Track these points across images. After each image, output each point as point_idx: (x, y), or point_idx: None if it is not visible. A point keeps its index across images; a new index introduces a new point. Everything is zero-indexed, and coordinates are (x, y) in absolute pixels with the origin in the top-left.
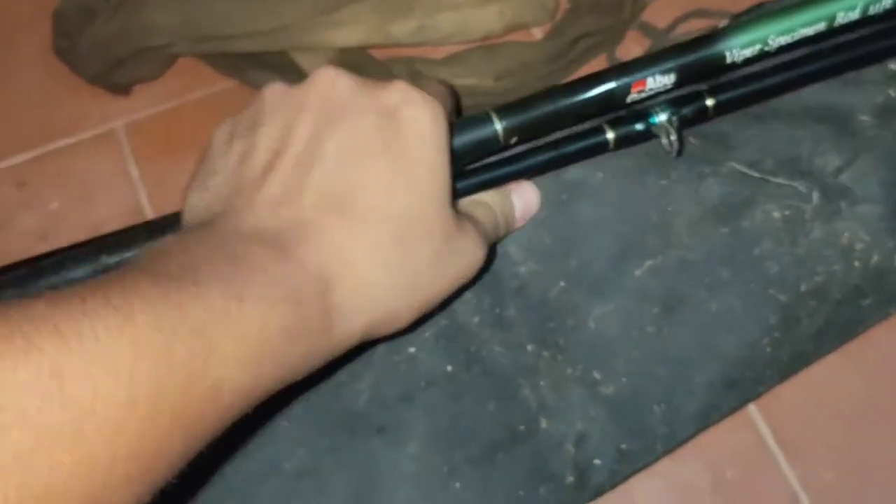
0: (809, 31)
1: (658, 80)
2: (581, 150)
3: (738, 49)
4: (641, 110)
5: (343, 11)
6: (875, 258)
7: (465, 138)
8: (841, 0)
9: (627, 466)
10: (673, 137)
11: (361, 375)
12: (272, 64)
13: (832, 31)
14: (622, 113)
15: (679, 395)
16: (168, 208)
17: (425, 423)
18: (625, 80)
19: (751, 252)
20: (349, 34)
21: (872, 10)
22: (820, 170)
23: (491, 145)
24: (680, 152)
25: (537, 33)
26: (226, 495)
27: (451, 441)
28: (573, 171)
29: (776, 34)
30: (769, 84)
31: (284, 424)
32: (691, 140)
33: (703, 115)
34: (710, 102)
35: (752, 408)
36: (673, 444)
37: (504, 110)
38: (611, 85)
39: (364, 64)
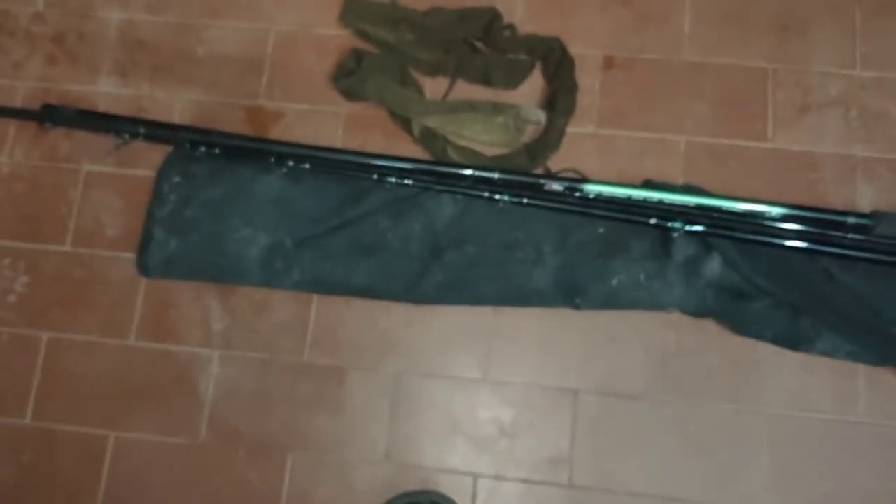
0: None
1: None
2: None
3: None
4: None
5: (434, 116)
6: None
7: None
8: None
9: None
10: None
11: None
12: (398, 118)
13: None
14: None
15: None
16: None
17: None
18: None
19: None
20: (429, 122)
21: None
22: None
23: None
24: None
25: (500, 150)
26: None
27: None
28: None
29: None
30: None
31: None
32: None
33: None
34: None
35: None
36: None
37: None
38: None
39: (430, 133)
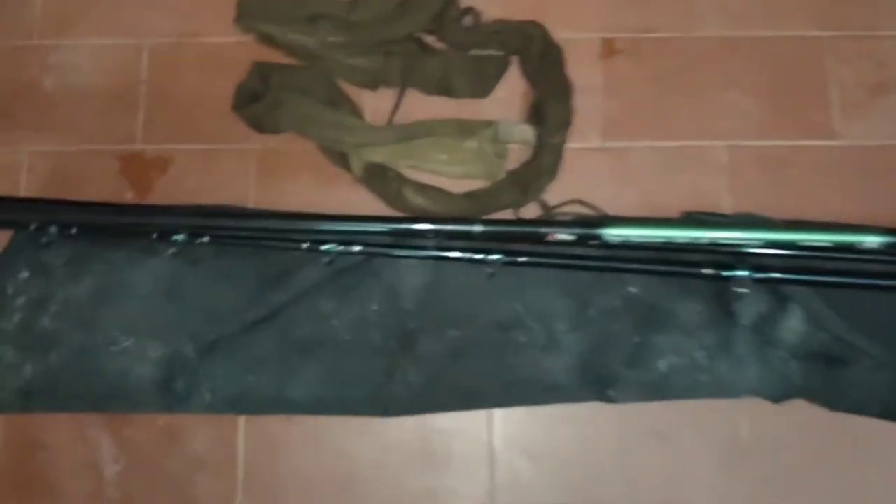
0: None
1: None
2: None
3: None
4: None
5: (381, 146)
6: None
7: None
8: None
9: None
10: None
11: None
12: (331, 152)
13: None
14: None
15: None
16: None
17: None
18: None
19: None
20: (376, 156)
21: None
22: None
23: None
24: None
25: (477, 183)
26: None
27: None
28: None
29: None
30: None
31: None
32: None
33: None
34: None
35: None
36: None
37: None
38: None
39: (378, 172)
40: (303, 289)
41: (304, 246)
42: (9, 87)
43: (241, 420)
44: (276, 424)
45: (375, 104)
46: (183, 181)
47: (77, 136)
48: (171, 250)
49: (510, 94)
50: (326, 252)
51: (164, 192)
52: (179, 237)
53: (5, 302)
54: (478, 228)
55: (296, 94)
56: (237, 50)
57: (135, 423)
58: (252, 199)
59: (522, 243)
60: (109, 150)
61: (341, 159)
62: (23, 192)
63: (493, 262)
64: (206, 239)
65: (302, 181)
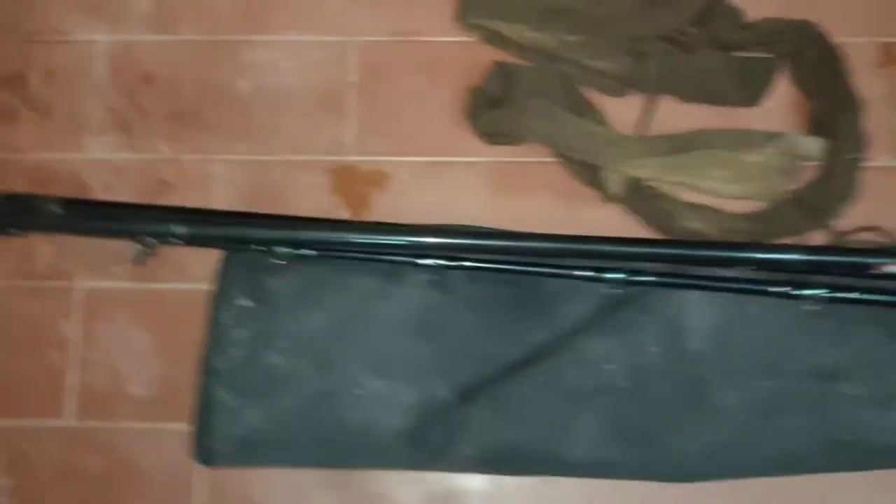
0: None
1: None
2: None
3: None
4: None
5: (646, 160)
6: None
7: None
8: None
9: None
10: None
11: None
12: (578, 167)
13: None
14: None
15: None
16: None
17: None
18: None
19: None
20: (642, 171)
21: None
22: None
23: None
24: None
25: (752, 205)
26: None
27: None
28: None
29: None
30: None
31: None
32: None
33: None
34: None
35: None
36: None
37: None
38: None
39: (642, 190)
40: (569, 325)
41: (583, 274)
42: (197, 88)
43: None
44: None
45: (620, 113)
46: (403, 198)
47: (278, 144)
48: (425, 277)
49: (778, 102)
50: (609, 281)
51: (383, 210)
52: (432, 262)
53: (221, 336)
54: (803, 258)
55: (538, 100)
56: (458, 51)
57: (357, 479)
58: (484, 219)
59: (842, 275)
60: (316, 162)
61: (589, 175)
62: (219, 205)
63: (817, 299)
64: (465, 263)
65: (540, 199)
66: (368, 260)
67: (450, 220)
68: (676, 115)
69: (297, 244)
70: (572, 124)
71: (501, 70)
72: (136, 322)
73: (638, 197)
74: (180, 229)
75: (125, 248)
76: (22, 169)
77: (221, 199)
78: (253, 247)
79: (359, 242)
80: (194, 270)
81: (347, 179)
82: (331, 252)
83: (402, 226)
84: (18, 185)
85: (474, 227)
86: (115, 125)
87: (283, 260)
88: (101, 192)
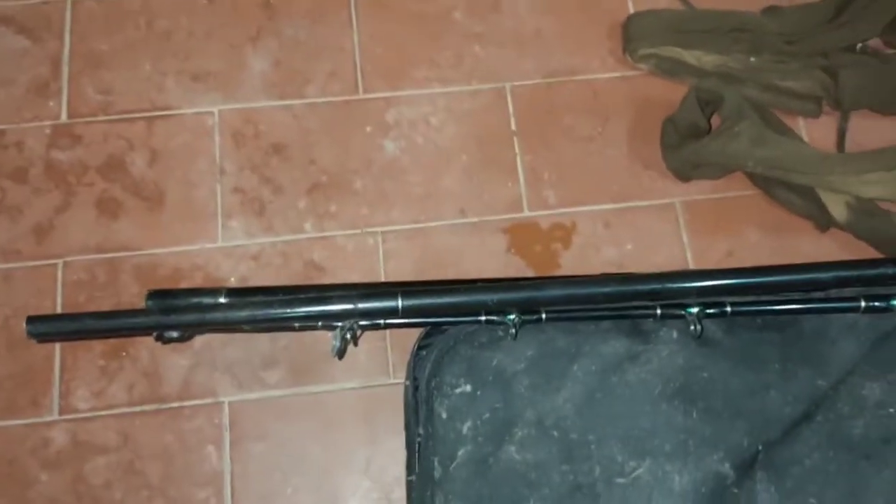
0: None
1: None
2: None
3: None
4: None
5: (872, 175)
6: None
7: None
8: None
9: None
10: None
11: None
12: (798, 190)
13: None
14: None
15: None
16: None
17: None
18: None
19: None
20: (869, 190)
21: None
22: None
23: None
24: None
25: None
26: None
27: None
28: None
29: None
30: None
31: None
32: None
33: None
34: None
35: None
36: None
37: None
38: None
39: (872, 210)
40: (841, 369)
41: (857, 304)
42: (337, 155)
43: None
44: None
45: (810, 133)
46: (596, 251)
47: (441, 207)
48: (674, 332)
49: None
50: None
51: (573, 266)
52: (692, 310)
53: (438, 433)
54: None
55: (751, 121)
56: (622, 86)
57: None
58: (686, 264)
59: None
60: (487, 223)
61: (803, 202)
62: (384, 277)
63: None
64: (727, 309)
65: (746, 236)
66: (613, 317)
67: (650, 269)
68: (871, 130)
69: (530, 308)
70: (786, 146)
71: (699, 95)
72: (299, 436)
73: (866, 218)
74: (402, 303)
75: (274, 349)
76: (132, 267)
77: (386, 275)
78: (481, 318)
79: (597, 296)
80: (363, 364)
81: (527, 237)
82: (562, 314)
83: (648, 275)
84: (133, 288)
85: (723, 269)
86: (243, 206)
87: (512, 328)
88: (240, 285)
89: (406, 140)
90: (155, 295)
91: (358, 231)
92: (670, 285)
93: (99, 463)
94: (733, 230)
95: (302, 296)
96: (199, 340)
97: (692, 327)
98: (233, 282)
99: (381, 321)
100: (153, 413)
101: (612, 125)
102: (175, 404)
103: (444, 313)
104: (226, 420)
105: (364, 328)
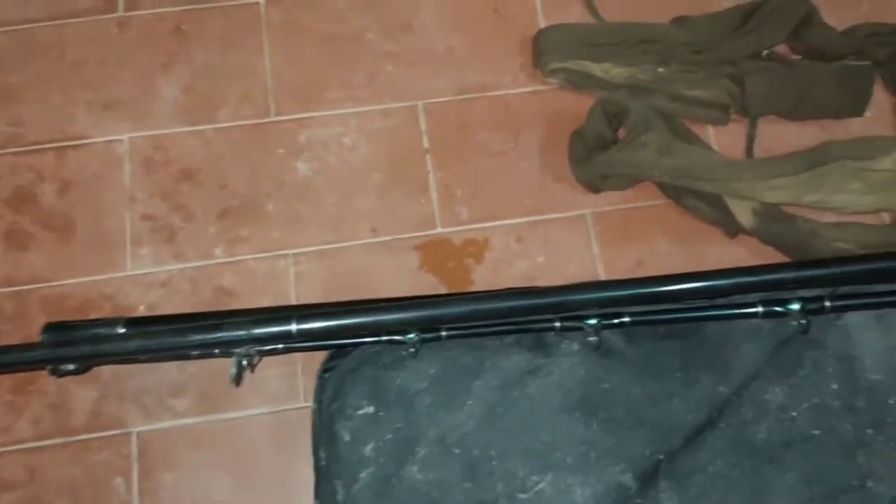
0: None
1: None
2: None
3: None
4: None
5: (777, 180)
6: None
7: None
8: None
9: None
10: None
11: None
12: (706, 198)
13: None
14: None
15: None
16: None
17: None
18: None
19: None
20: (775, 195)
21: None
22: None
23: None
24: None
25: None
26: None
27: None
28: None
29: None
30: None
31: None
32: None
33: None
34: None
35: None
36: None
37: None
38: None
39: (777, 215)
40: (744, 375)
41: (754, 311)
42: (247, 178)
43: None
44: None
45: (718, 141)
46: (509, 265)
47: (352, 227)
48: (576, 345)
49: (878, 110)
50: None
51: (486, 281)
52: (594, 321)
53: (342, 456)
54: None
55: (659, 131)
56: (533, 100)
57: None
58: (598, 274)
59: None
60: (401, 241)
61: (711, 210)
62: (295, 300)
63: None
64: (625, 319)
65: (656, 244)
66: (514, 332)
67: (561, 281)
68: (778, 136)
69: (430, 326)
70: (693, 155)
71: (604, 108)
72: (211, 465)
73: (771, 223)
74: (297, 327)
75: (182, 377)
76: (40, 299)
77: (297, 298)
78: (382, 338)
79: (497, 311)
80: (274, 388)
81: (439, 254)
82: (463, 331)
83: (547, 289)
84: (41, 321)
85: (623, 279)
86: (153, 233)
87: (412, 347)
88: (148, 313)
89: (319, 161)
90: (51, 328)
91: (266, 254)
92: (571, 298)
93: (5, 500)
94: (643, 240)
95: (194, 324)
96: (108, 370)
97: (590, 339)
98: (142, 310)
99: (280, 345)
100: (61, 447)
101: (524, 139)
102: (83, 437)
103: (343, 335)
104: (134, 451)
105: (262, 353)
